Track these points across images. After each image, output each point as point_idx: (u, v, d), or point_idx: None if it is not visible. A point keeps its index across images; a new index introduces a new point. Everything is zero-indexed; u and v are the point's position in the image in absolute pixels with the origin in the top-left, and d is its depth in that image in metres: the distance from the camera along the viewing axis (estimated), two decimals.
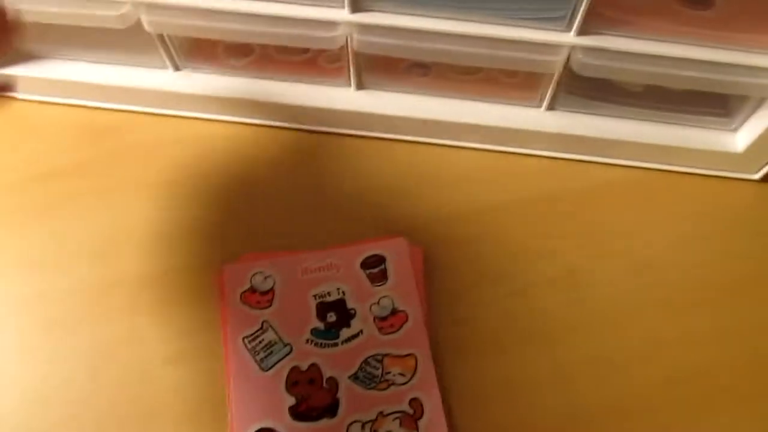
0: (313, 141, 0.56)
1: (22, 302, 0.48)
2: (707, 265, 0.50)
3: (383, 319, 0.46)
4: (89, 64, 0.56)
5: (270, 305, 0.47)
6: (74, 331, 0.47)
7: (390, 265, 0.48)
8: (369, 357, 0.45)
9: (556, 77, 0.49)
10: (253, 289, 0.47)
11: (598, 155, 0.54)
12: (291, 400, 0.43)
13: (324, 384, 0.44)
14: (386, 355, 0.45)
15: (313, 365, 0.45)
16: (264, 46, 0.55)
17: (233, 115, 0.56)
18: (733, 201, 0.54)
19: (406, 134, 0.55)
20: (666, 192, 0.54)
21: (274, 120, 0.56)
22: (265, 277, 0.48)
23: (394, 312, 0.47)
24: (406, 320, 0.46)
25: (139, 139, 0.56)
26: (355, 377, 0.44)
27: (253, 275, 0.48)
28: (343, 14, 0.45)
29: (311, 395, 0.44)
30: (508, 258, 0.50)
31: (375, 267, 0.48)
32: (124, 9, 0.47)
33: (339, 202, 0.53)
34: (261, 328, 0.46)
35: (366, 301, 0.47)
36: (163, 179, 0.54)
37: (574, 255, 0.51)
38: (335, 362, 0.45)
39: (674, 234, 0.52)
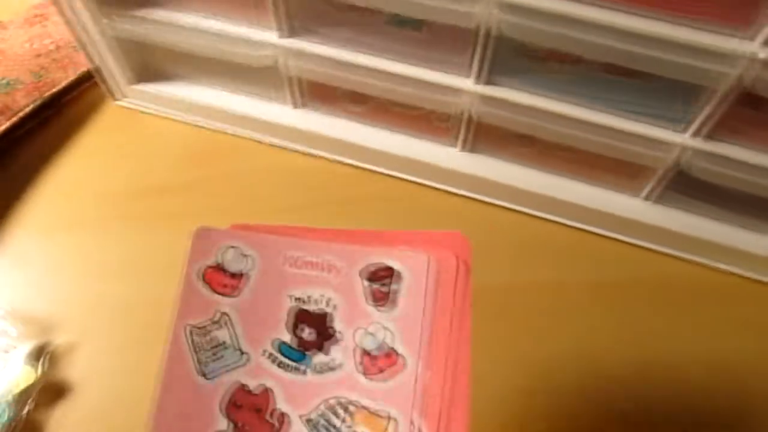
0: (409, 191, 0.58)
1: (118, 305, 0.51)
2: None
3: (371, 356, 0.35)
4: (215, 90, 0.60)
5: (237, 294, 0.35)
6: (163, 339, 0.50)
7: (404, 286, 0.36)
8: (337, 401, 0.34)
9: (662, 172, 0.50)
10: (221, 267, 0.36)
11: (688, 252, 0.55)
12: (223, 425, 0.33)
13: (270, 417, 0.34)
14: (359, 406, 0.34)
15: (265, 390, 0.34)
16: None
17: (341, 155, 0.59)
18: None
19: (503, 200, 0.57)
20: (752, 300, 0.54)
21: (376, 165, 0.59)
22: (242, 256, 0.36)
23: (388, 352, 0.35)
24: (401, 369, 0.34)
25: (249, 165, 0.59)
26: (310, 422, 0.34)
27: (226, 249, 0.36)
28: (468, 84, 0.48)
29: (251, 428, 0.33)
30: (576, 336, 0.51)
31: (383, 283, 0.36)
32: (267, 51, 0.50)
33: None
34: (216, 321, 0.35)
35: (356, 325, 0.35)
36: (268, 206, 0.57)
37: (644, 346, 0.51)
38: (293, 394, 0.34)
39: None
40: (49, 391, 0.47)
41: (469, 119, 0.52)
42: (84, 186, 0.57)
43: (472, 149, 0.57)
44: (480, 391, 0.48)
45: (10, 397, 0.44)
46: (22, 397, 0.45)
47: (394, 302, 0.35)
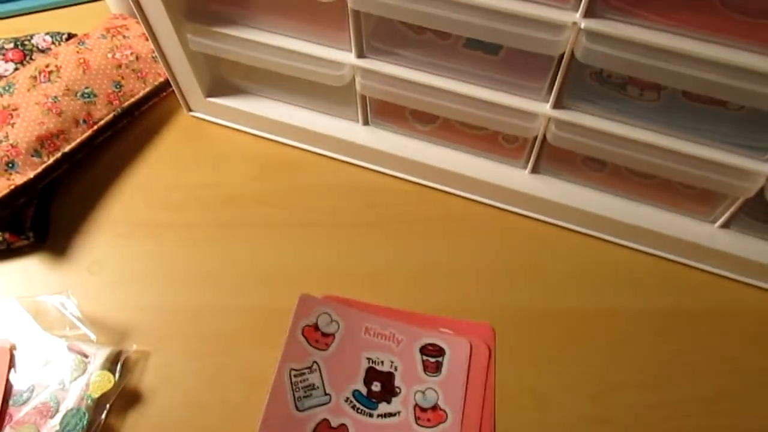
0: (474, 210, 0.58)
1: (189, 314, 0.53)
2: None
3: (423, 410, 0.47)
4: (285, 105, 0.61)
5: (326, 349, 0.48)
6: (233, 348, 0.51)
7: (447, 361, 0.48)
8: None
9: (742, 200, 0.49)
10: (316, 327, 0.49)
11: (759, 279, 0.53)
12: None
13: None
14: None
15: (342, 426, 0.45)
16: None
17: (407, 173, 0.59)
18: None
19: (571, 223, 0.56)
20: None
21: (442, 184, 0.59)
22: (331, 321, 0.49)
23: (435, 407, 0.47)
24: (444, 421, 0.46)
25: (315, 180, 0.60)
26: None
27: (321, 314, 0.49)
28: (545, 109, 0.48)
29: None
30: (642, 365, 0.50)
31: (432, 356, 0.49)
32: (344, 70, 0.51)
33: (471, 273, 0.55)
34: (310, 367, 0.47)
35: (413, 386, 0.47)
36: (333, 220, 0.57)
37: (719, 377, 0.50)
38: None
39: None
40: (124, 398, 0.48)
41: (542, 143, 0.52)
42: (157, 195, 0.59)
43: (540, 171, 0.56)
44: (547, 416, 0.48)
45: (90, 402, 0.45)
46: (101, 401, 0.46)
47: (440, 371, 0.48)
